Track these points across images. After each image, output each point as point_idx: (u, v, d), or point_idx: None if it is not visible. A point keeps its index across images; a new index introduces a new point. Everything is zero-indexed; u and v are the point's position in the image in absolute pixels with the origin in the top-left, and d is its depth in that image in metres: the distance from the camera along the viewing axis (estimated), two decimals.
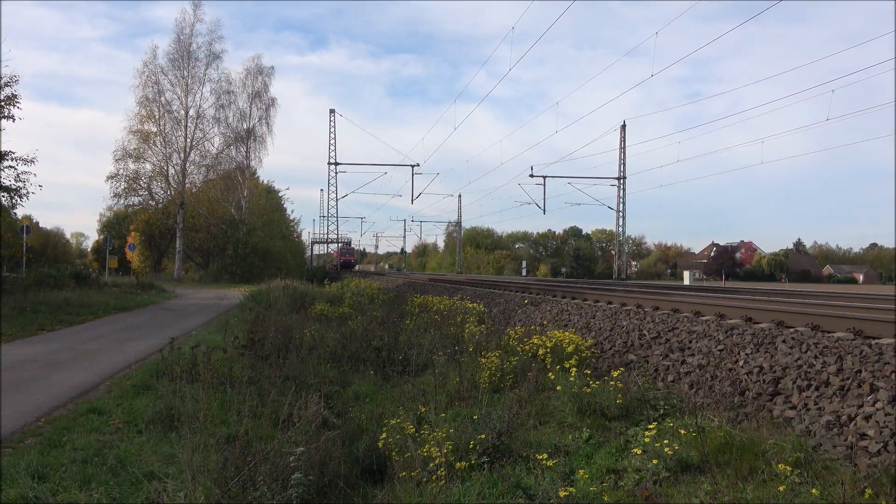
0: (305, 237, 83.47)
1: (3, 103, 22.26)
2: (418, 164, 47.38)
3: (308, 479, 4.60)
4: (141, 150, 48.18)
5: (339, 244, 71.19)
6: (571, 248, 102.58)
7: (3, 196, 23.40)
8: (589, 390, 6.13)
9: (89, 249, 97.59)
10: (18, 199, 23.41)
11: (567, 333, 8.58)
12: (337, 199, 52.90)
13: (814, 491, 3.66)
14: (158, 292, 29.47)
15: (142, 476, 4.81)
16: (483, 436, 5.48)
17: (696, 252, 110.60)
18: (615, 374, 6.60)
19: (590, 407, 6.02)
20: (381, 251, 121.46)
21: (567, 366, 7.20)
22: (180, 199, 48.32)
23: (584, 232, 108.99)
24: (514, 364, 7.93)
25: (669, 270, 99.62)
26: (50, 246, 76.23)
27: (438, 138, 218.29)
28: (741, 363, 6.29)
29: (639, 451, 4.69)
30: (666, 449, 4.48)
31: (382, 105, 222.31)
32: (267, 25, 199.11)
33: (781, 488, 3.81)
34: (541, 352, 8.15)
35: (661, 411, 5.68)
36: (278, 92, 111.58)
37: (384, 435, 6.12)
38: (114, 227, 70.05)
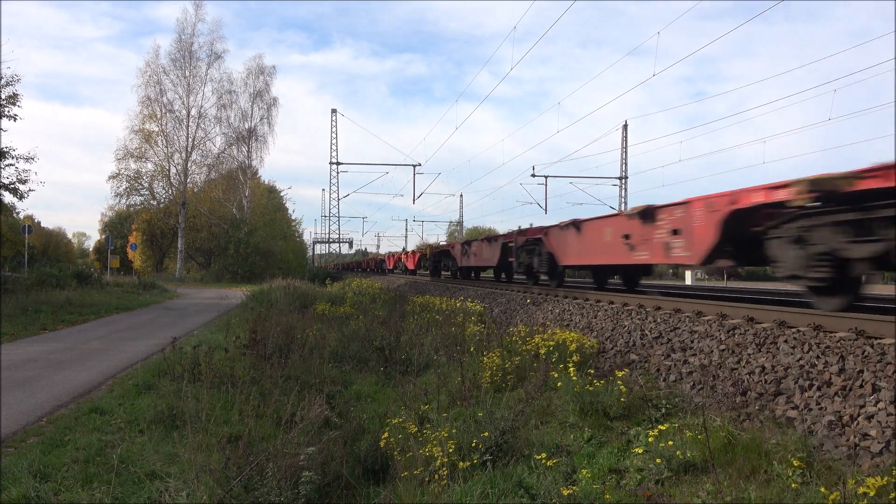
0: (307, 237, 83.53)
1: (4, 102, 22.37)
2: (420, 164, 47.30)
3: (316, 478, 4.61)
4: (143, 149, 48.41)
5: None
6: None
7: (4, 194, 23.50)
8: (591, 388, 6.13)
9: (91, 249, 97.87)
10: (19, 198, 23.56)
11: (569, 333, 8.57)
12: (339, 199, 52.89)
13: (823, 490, 3.65)
14: (160, 292, 29.51)
15: (144, 476, 4.82)
16: (485, 435, 5.48)
17: None
18: (618, 374, 6.59)
19: (592, 407, 6.02)
20: (382, 251, 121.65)
21: (569, 365, 7.20)
22: (182, 198, 48.40)
23: None
24: (515, 363, 7.93)
25: (671, 270, 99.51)
26: (52, 246, 76.51)
27: (441, 138, 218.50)
28: (743, 363, 6.28)
29: (641, 451, 4.69)
30: (678, 452, 4.47)
31: (386, 104, 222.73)
32: (270, 24, 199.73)
33: (794, 486, 3.80)
34: (542, 351, 8.14)
35: (663, 411, 5.68)
36: (281, 91, 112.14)
37: (386, 434, 6.13)
38: (116, 226, 70.32)
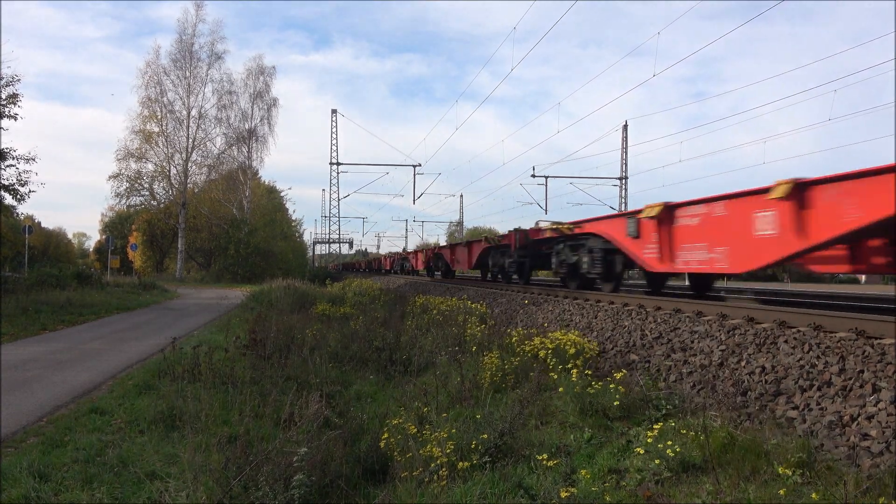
0: (307, 237, 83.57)
1: (4, 102, 22.41)
2: (420, 164, 47.28)
3: (310, 480, 4.60)
4: (143, 149, 48.44)
5: None
6: None
7: (5, 195, 23.54)
8: (592, 391, 6.12)
9: (91, 249, 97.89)
10: (19, 201, 23.60)
11: (569, 335, 8.55)
12: (339, 199, 52.91)
13: (814, 496, 3.64)
14: (160, 292, 29.50)
15: (144, 476, 4.82)
16: (485, 435, 5.47)
17: None
18: (617, 375, 6.59)
19: (592, 407, 6.01)
20: (382, 251, 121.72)
21: (569, 367, 7.19)
22: (182, 198, 48.42)
23: None
24: (515, 364, 7.92)
25: None
26: (52, 246, 76.50)
27: (441, 138, 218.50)
28: (743, 363, 6.28)
29: (641, 451, 4.68)
30: (668, 451, 4.46)
31: (387, 104, 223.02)
32: (271, 24, 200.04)
33: (781, 491, 3.80)
34: (542, 353, 8.13)
35: (664, 411, 5.67)
36: (281, 91, 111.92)
37: (386, 435, 6.12)
38: (116, 226, 70.36)
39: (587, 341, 8.50)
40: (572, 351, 7.80)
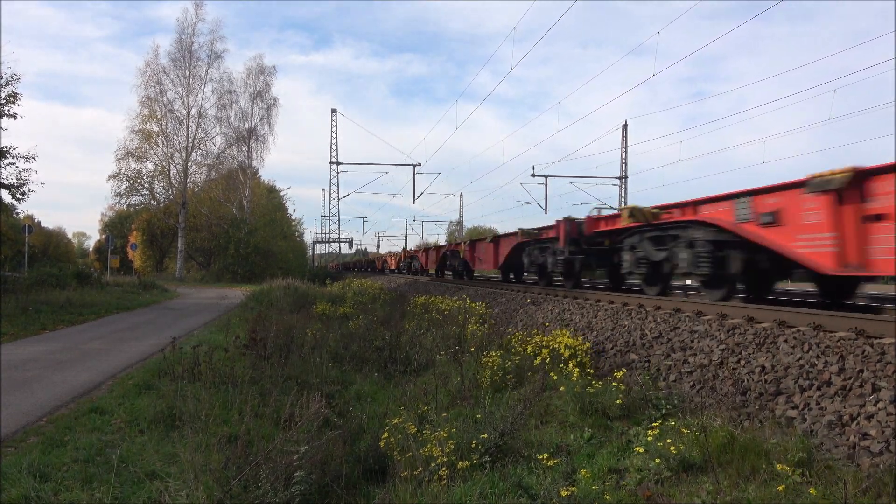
0: (307, 237, 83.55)
1: (3, 101, 22.41)
2: (420, 164, 47.24)
3: (311, 477, 4.60)
4: (143, 149, 48.37)
5: None
6: None
7: (5, 194, 23.53)
8: (592, 390, 6.12)
9: (91, 249, 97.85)
10: (20, 197, 23.58)
11: (565, 338, 8.50)
12: (339, 199, 52.90)
13: (812, 491, 3.64)
14: (160, 292, 29.48)
15: (144, 475, 4.81)
16: (485, 435, 5.47)
17: None
18: (618, 374, 6.59)
19: (592, 407, 6.02)
20: (382, 251, 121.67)
21: (570, 367, 7.18)
22: (182, 198, 48.38)
23: None
24: (515, 363, 7.92)
25: None
26: (52, 245, 76.37)
27: (441, 138, 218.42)
28: (743, 363, 6.28)
29: (641, 451, 4.68)
30: (671, 448, 4.46)
31: (387, 104, 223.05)
32: (271, 24, 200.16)
33: (780, 488, 3.80)
34: (540, 359, 8.10)
35: (663, 411, 5.68)
36: (281, 91, 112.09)
37: (386, 434, 6.12)
38: (116, 226, 70.29)
39: (582, 344, 8.46)
40: (567, 354, 7.79)
